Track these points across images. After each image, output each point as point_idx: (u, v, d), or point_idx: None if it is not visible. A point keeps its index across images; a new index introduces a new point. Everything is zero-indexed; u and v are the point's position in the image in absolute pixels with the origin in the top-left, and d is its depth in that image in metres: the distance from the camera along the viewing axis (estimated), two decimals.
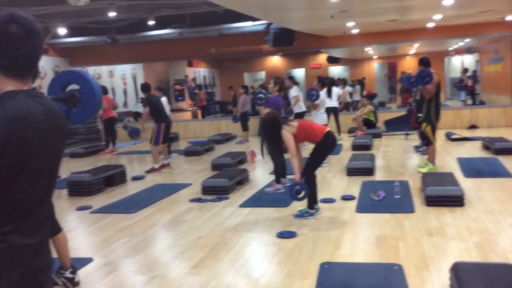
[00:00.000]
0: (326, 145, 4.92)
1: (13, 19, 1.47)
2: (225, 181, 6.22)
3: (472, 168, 6.86)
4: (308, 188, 4.76)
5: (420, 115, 6.72)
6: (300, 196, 4.70)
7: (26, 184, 1.53)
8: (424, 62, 6.65)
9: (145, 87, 8.57)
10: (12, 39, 1.46)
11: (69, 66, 14.66)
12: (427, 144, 6.81)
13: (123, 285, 3.52)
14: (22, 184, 1.51)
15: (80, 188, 6.65)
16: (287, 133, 4.78)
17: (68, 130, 1.71)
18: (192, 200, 5.98)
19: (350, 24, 11.49)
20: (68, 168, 8.57)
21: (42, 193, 1.63)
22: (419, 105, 6.81)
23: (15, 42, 1.47)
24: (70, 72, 2.25)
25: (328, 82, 10.18)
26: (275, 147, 5.26)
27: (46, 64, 13.70)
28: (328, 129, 4.98)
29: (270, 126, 4.95)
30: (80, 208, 5.89)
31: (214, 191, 6.17)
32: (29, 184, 1.54)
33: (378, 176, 6.90)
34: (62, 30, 12.89)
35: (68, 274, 3.45)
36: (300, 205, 5.22)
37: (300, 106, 9.05)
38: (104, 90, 11.19)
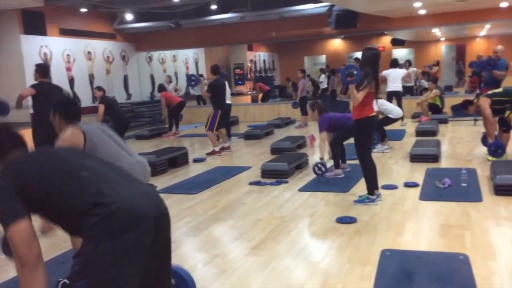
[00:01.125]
0: (366, 125, 4.78)
1: None
2: (285, 165, 6.24)
3: None
4: (363, 172, 4.82)
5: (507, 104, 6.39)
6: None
7: None
8: None
9: (215, 69, 8.64)
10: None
11: (135, 51, 15.15)
12: (507, 130, 6.45)
13: (186, 263, 3.65)
14: None
15: None
16: (367, 90, 4.60)
17: None
18: (252, 183, 6.05)
19: (417, 4, 11.04)
20: (133, 149, 8.90)
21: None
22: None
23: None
24: None
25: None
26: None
27: (114, 49, 14.24)
28: (374, 113, 4.83)
29: (371, 60, 4.70)
30: None
31: (273, 175, 6.21)
32: None
33: (444, 163, 6.66)
34: (129, 16, 13.32)
35: None
36: (361, 191, 5.15)
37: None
38: (162, 88, 11.63)
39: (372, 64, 4.68)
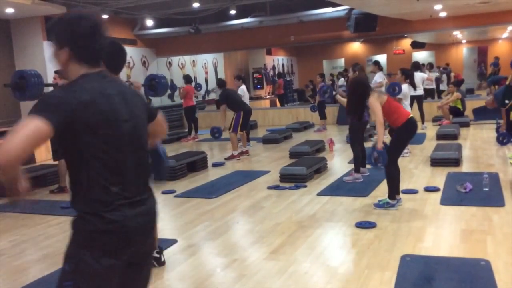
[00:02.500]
0: (406, 131, 4.74)
1: (82, 17, 1.72)
2: (303, 169, 6.23)
3: None
4: (387, 176, 4.76)
5: (507, 101, 6.27)
6: (379, 161, 4.82)
7: (116, 155, 1.68)
8: None
9: (221, 83, 8.88)
10: (82, 34, 1.70)
11: (155, 56, 15.31)
12: None
13: (205, 267, 3.67)
14: (113, 155, 1.67)
15: None
16: (376, 101, 4.61)
17: (146, 105, 1.91)
18: (270, 188, 6.06)
19: (437, 7, 10.92)
20: None
21: (136, 168, 1.75)
22: (507, 90, 6.36)
23: (86, 37, 1.71)
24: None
25: (411, 71, 9.65)
26: (355, 113, 5.13)
27: (134, 55, 14.41)
28: (411, 115, 4.79)
29: (355, 90, 4.81)
30: (165, 192, 6.18)
31: (292, 179, 6.20)
32: (118, 154, 1.68)
33: (465, 167, 6.56)
34: (149, 22, 13.48)
35: (155, 254, 3.65)
36: (380, 195, 5.11)
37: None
38: (188, 79, 11.61)
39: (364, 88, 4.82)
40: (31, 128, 1.49)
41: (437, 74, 14.14)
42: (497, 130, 6.80)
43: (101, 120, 1.64)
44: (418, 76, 10.03)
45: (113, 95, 1.71)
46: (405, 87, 7.70)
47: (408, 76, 8.11)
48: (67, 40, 1.70)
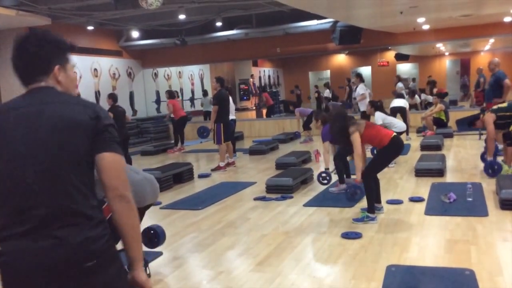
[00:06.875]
0: (392, 150, 4.78)
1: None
2: (289, 180, 6.24)
3: None
4: (366, 190, 4.77)
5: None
6: (356, 197, 5.08)
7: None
8: None
9: (220, 80, 8.56)
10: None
11: (141, 67, 15.29)
12: (511, 144, 6.43)
13: (190, 279, 3.65)
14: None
15: None
16: (357, 136, 4.67)
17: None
18: (257, 199, 6.05)
19: (420, 20, 11.12)
20: (139, 165, 8.96)
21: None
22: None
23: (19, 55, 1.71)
24: None
25: (379, 103, 9.66)
26: (342, 142, 5.24)
27: (120, 66, 14.38)
28: (394, 133, 4.82)
29: (336, 123, 4.85)
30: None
31: (278, 190, 6.21)
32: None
33: (449, 177, 6.64)
34: (135, 33, 13.47)
35: None
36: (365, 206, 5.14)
37: (366, 104, 8.85)
38: (171, 95, 11.66)
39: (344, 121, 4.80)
40: None
41: (414, 84, 14.34)
42: (482, 157, 6.93)
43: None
44: (398, 86, 10.16)
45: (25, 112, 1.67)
46: (377, 115, 7.64)
47: (376, 107, 7.98)
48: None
